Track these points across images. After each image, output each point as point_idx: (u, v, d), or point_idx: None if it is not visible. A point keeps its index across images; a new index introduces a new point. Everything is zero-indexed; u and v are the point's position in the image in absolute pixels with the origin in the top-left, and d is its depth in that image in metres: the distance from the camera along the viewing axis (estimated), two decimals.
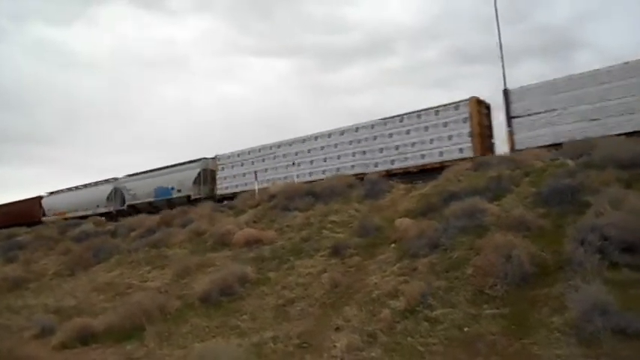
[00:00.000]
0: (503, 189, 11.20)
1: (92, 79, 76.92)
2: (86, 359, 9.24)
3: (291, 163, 21.70)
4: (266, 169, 22.79)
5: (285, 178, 21.20)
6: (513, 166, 12.50)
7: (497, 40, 21.56)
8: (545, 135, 15.02)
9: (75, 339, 9.97)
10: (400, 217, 11.66)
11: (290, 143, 22.32)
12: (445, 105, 17.59)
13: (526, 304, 7.11)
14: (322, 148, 21.17)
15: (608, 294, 6.27)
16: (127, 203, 27.45)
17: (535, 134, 14.98)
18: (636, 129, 13.04)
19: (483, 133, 17.01)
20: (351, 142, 20.21)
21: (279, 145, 22.84)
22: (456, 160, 15.96)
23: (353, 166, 19.76)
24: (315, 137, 21.50)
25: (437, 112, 17.67)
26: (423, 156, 17.84)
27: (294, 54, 72.49)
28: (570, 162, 11.70)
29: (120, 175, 30.15)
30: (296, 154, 21.88)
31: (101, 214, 26.97)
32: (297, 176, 20.82)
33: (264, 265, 11.67)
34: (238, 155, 24.49)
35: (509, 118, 15.89)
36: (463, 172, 13.35)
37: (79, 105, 74.94)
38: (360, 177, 16.85)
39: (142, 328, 9.79)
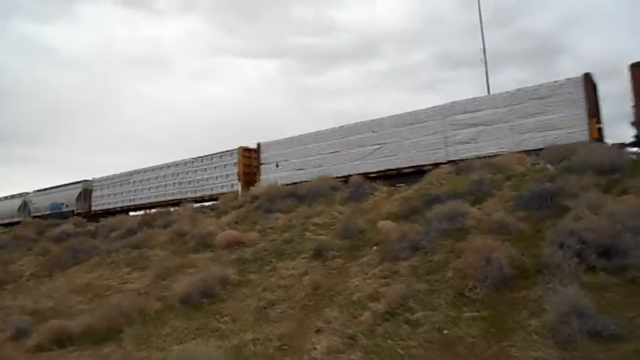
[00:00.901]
0: (484, 193, 11.31)
1: (75, 77, 75.76)
2: None
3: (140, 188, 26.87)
4: (122, 192, 28.01)
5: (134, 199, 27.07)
6: (495, 170, 12.62)
7: (482, 46, 21.94)
8: (275, 178, 20.24)
9: (51, 341, 9.78)
10: (383, 220, 11.70)
11: (142, 171, 27.26)
12: (226, 152, 22.98)
13: (505, 306, 7.17)
14: (157, 178, 26.05)
15: (585, 297, 6.35)
16: (32, 214, 31.90)
17: (272, 176, 20.51)
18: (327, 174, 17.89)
19: (249, 172, 22.02)
20: (172, 175, 25.39)
21: (131, 174, 27.82)
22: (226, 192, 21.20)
23: (173, 194, 24.90)
24: (153, 169, 26.54)
25: (220, 157, 23.15)
26: (212, 188, 23.02)
27: (281, 55, 72.49)
28: (550, 167, 11.85)
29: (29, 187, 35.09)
30: (141, 181, 27.00)
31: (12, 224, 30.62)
32: (141, 199, 26.54)
33: (246, 267, 11.60)
34: (106, 180, 29.10)
35: (259, 163, 21.64)
36: (445, 176, 13.43)
37: (61, 103, 73.83)
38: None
39: (120, 330, 9.66)
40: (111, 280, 13.55)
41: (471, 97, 16.65)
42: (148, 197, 26.11)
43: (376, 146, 18.24)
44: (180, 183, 24.77)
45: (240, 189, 19.21)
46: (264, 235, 13.39)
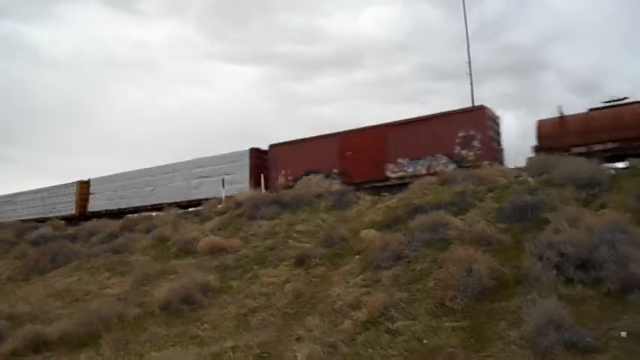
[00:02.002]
0: (467, 204, 11.43)
1: (56, 78, 74.61)
2: None
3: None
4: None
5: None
6: (478, 181, 12.76)
7: (467, 59, 22.27)
8: (99, 205, 28.74)
9: (27, 346, 9.52)
10: (366, 229, 11.74)
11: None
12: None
13: (484, 317, 7.24)
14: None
15: (562, 309, 6.46)
16: None
17: (97, 204, 29.18)
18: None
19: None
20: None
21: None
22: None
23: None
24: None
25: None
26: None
27: (266, 62, 72.43)
28: (532, 180, 12.03)
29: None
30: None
31: None
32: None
33: (228, 274, 11.53)
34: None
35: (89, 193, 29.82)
36: (429, 186, 13.54)
37: (41, 103, 72.59)
38: None
39: (99, 336, 9.48)
40: (90, 285, 13.33)
41: (209, 155, 23.56)
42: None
43: (152, 187, 25.77)
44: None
45: (223, 195, 19.15)
46: (246, 242, 13.33)
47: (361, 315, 8.07)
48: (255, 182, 21.15)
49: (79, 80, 72.74)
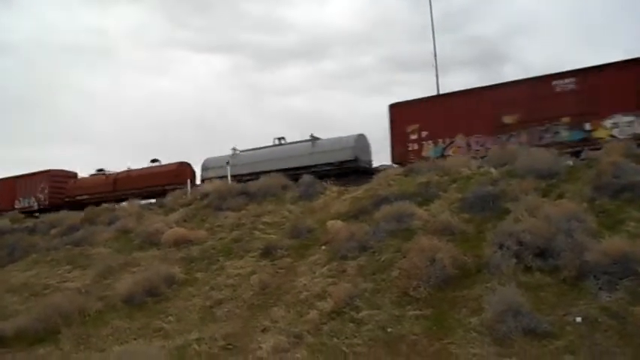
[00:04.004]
0: (431, 194, 11.58)
1: (8, 65, 70.90)
2: None
3: None
4: None
5: None
6: (442, 172, 12.94)
7: (432, 49, 22.49)
8: None
9: None
10: (332, 219, 11.76)
11: None
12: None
13: (447, 305, 7.40)
14: None
15: (521, 296, 6.68)
16: None
17: None
18: None
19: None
20: None
21: None
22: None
23: None
24: None
25: None
26: None
27: (231, 51, 71.03)
28: (494, 170, 12.28)
29: None
30: None
31: None
32: None
33: (193, 266, 11.40)
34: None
35: None
36: (394, 177, 13.67)
37: None
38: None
39: (58, 331, 9.28)
40: (49, 279, 12.96)
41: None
42: None
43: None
44: None
45: (189, 187, 18.75)
46: (212, 234, 13.18)
47: (327, 305, 8.12)
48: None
49: (34, 67, 69.32)
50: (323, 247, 10.56)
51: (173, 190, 18.77)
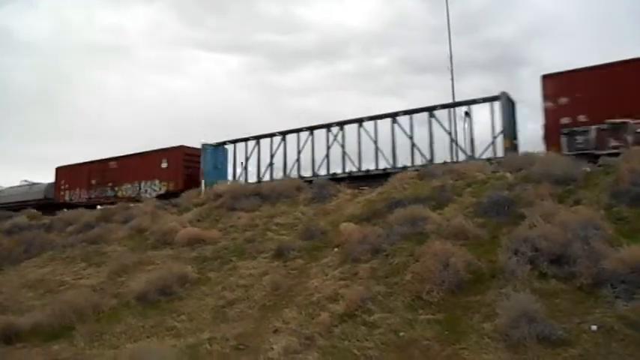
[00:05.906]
0: (445, 198, 11.51)
1: (30, 63, 72.08)
2: (9, 359, 8.75)
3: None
4: None
5: None
6: (457, 176, 12.87)
7: (448, 52, 22.35)
8: None
9: None
10: (345, 222, 11.75)
11: None
12: None
13: (460, 310, 7.33)
14: None
15: (535, 303, 6.58)
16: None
17: None
18: None
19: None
20: None
21: None
22: None
23: None
24: None
25: None
26: None
27: (246, 51, 71.40)
28: (509, 175, 12.17)
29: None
30: None
31: None
32: None
33: (206, 265, 11.46)
34: None
35: None
36: (408, 181, 13.61)
37: (14, 89, 70.25)
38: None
39: (72, 327, 9.38)
40: (65, 276, 13.13)
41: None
42: None
43: None
44: None
45: (203, 186, 18.85)
46: (225, 234, 13.26)
47: (339, 307, 8.09)
48: None
49: (53, 65, 70.52)
50: (335, 250, 10.55)
51: None
